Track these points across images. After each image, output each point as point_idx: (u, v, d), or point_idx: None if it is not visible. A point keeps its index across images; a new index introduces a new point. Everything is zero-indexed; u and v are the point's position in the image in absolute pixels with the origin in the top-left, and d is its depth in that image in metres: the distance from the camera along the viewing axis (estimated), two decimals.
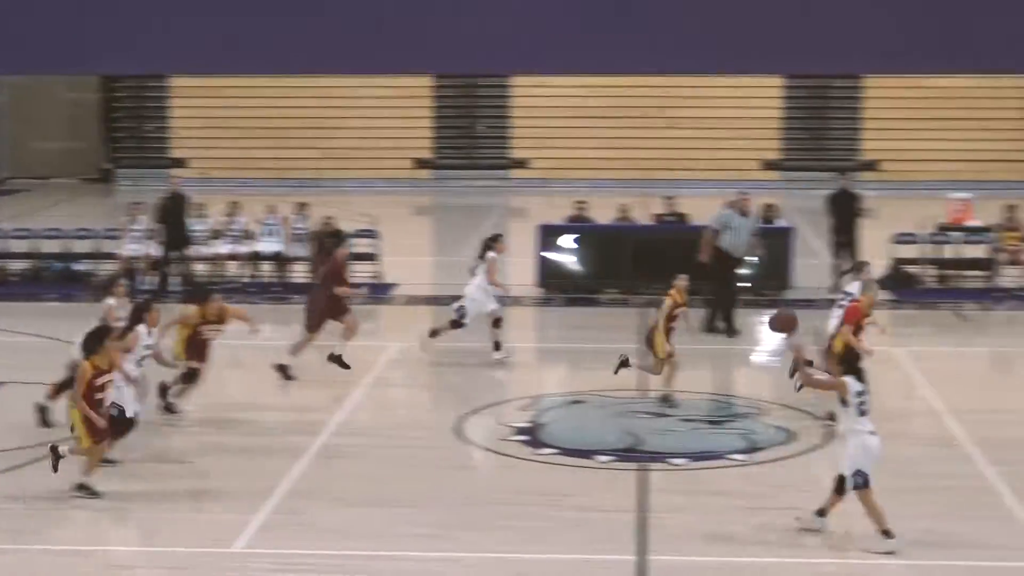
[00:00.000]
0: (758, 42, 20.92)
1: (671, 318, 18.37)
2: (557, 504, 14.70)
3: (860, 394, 13.39)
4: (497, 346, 20.65)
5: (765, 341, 22.27)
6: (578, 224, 26.76)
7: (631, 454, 16.47)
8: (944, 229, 27.72)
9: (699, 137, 40.59)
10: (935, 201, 30.14)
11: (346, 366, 19.33)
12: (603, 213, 27.60)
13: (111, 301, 17.32)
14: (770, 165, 41.20)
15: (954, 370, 20.67)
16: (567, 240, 25.78)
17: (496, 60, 20.19)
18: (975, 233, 27.39)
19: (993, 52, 20.67)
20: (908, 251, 26.88)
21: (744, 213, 23.01)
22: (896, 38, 21.05)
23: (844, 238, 26.02)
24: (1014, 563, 13.11)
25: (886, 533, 13.23)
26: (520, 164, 41.82)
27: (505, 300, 24.63)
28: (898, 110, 40.72)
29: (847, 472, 13.40)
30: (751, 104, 40.74)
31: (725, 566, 13.12)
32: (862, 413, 13.39)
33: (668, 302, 18.39)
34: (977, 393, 18.97)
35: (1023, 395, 19.51)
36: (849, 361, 13.77)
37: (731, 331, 22.36)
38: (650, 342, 18.47)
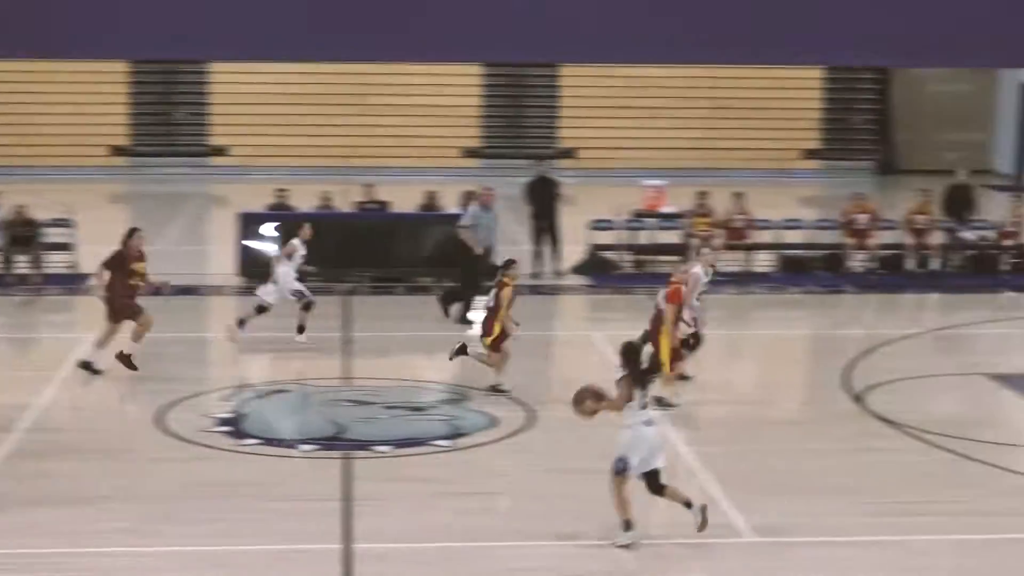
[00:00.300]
0: (456, 30, 21.07)
1: (510, 305, 18.48)
2: (261, 495, 14.59)
3: (641, 388, 13.42)
4: (241, 322, 20.80)
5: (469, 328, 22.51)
6: (279, 212, 26.58)
7: (335, 443, 16.45)
8: (639, 215, 28.38)
9: (399, 125, 40.67)
10: (630, 188, 30.81)
11: (133, 367, 18.98)
12: (304, 201, 27.47)
13: None
14: (470, 153, 41.54)
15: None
16: (268, 228, 25.58)
17: (193, 46, 19.91)
18: (668, 219, 28.12)
19: (682, 43, 21.25)
20: (605, 237, 27.44)
21: (487, 208, 23.26)
22: (592, 28, 21.45)
23: (544, 224, 26.45)
24: (707, 540, 13.51)
25: (627, 524, 13.31)
26: (219, 151, 41.27)
27: (203, 290, 24.37)
28: (593, 99, 41.47)
29: (615, 457, 13.32)
30: (450, 92, 40.99)
31: (430, 552, 13.21)
32: (643, 406, 13.37)
33: (507, 290, 18.44)
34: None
35: (715, 375, 20.06)
36: (629, 354, 13.65)
37: (463, 320, 22.56)
38: (488, 331, 18.51)
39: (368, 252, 25.40)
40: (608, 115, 41.31)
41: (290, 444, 16.35)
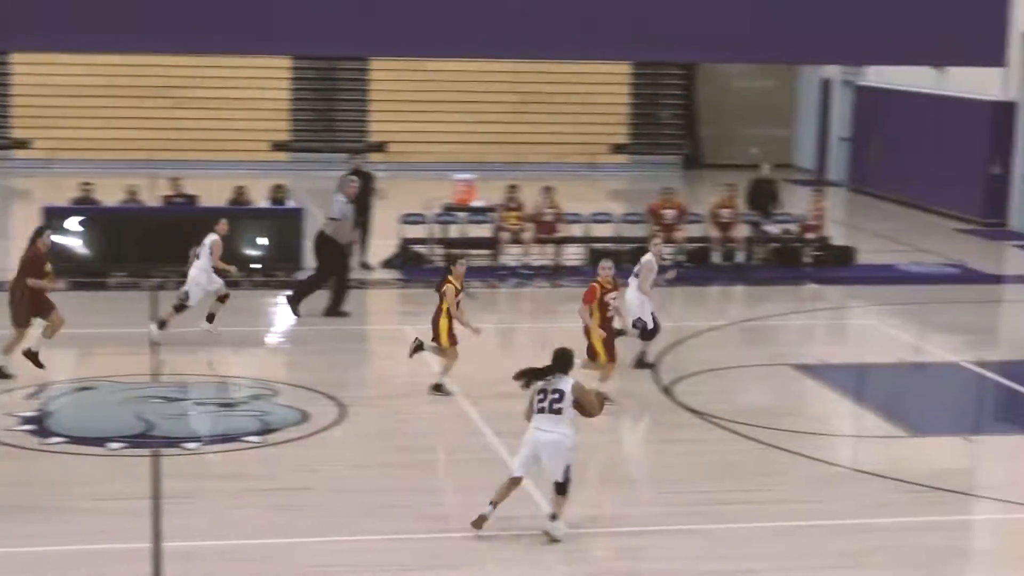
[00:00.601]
0: (266, 24, 20.89)
1: (457, 304, 18.31)
2: (68, 494, 14.33)
3: (540, 391, 13.52)
4: (210, 318, 20.79)
5: (282, 322, 22.38)
6: (84, 206, 26.10)
7: (144, 440, 16.22)
8: (449, 209, 28.41)
9: (207, 118, 40.18)
10: (440, 182, 30.83)
11: (40, 365, 18.49)
12: (110, 194, 27.01)
13: None
14: (279, 146, 41.21)
15: (462, 346, 21.21)
16: (73, 223, 25.12)
17: None
18: (479, 213, 28.20)
19: (491, 38, 21.35)
20: (416, 231, 27.42)
21: (351, 200, 23.11)
22: (401, 22, 21.42)
23: (358, 218, 26.24)
24: (519, 532, 13.57)
25: (492, 503, 13.40)
26: (22, 144, 40.38)
27: (5, 286, 23.79)
28: (403, 93, 41.41)
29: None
30: (260, 85, 40.63)
31: (241, 549, 13.11)
32: (539, 410, 13.44)
33: (451, 288, 18.22)
34: (484, 368, 19.51)
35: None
36: (553, 358, 13.68)
37: (296, 312, 22.39)
38: (436, 328, 18.32)
39: (175, 247, 25.03)
40: (418, 109, 41.29)
41: (97, 442, 16.07)
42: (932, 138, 35.66)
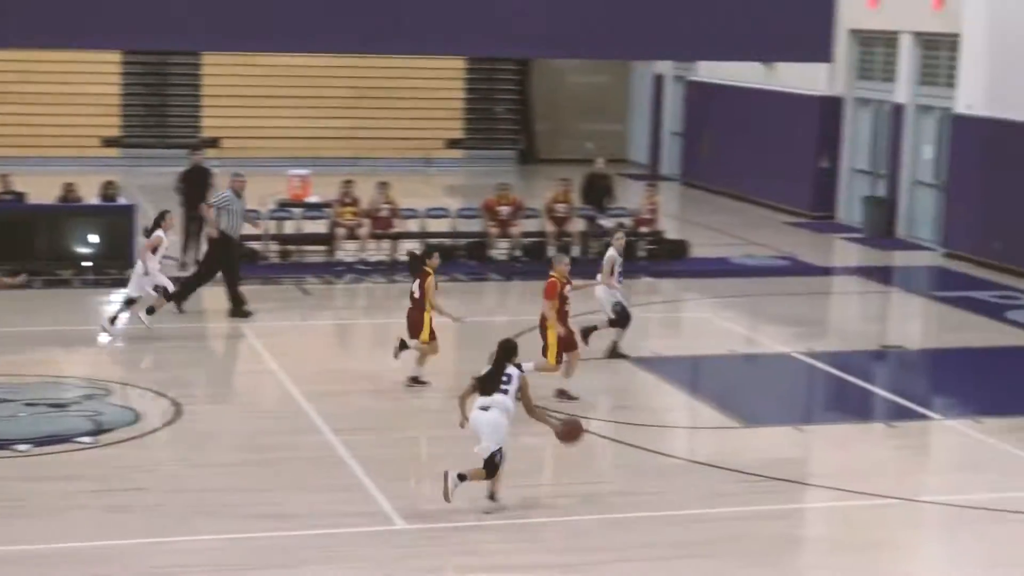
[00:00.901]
0: (94, 17, 20.58)
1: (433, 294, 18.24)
2: None
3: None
4: (112, 320, 20.85)
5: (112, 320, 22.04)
6: None
7: None
8: (284, 205, 28.20)
9: (35, 113, 39.40)
10: (275, 177, 30.58)
11: None
12: None
13: None
14: (110, 142, 40.56)
15: (299, 343, 21.12)
16: None
17: None
18: (314, 209, 28.03)
19: (323, 32, 21.26)
20: (251, 227, 27.14)
21: (238, 194, 22.76)
22: (232, 15, 21.23)
23: (194, 214, 25.90)
24: (357, 529, 13.55)
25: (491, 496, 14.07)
26: None
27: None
28: (236, 87, 41.00)
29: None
30: (89, 80, 39.94)
31: (74, 552, 12.90)
32: (482, 393, 14.03)
33: (430, 279, 18.09)
34: (321, 365, 19.42)
35: (363, 364, 20.14)
36: (498, 350, 14.18)
37: (243, 312, 22.10)
38: (419, 324, 18.25)
39: (4, 245, 24.57)
40: (251, 104, 40.93)
41: None
42: (762, 133, 36.21)
